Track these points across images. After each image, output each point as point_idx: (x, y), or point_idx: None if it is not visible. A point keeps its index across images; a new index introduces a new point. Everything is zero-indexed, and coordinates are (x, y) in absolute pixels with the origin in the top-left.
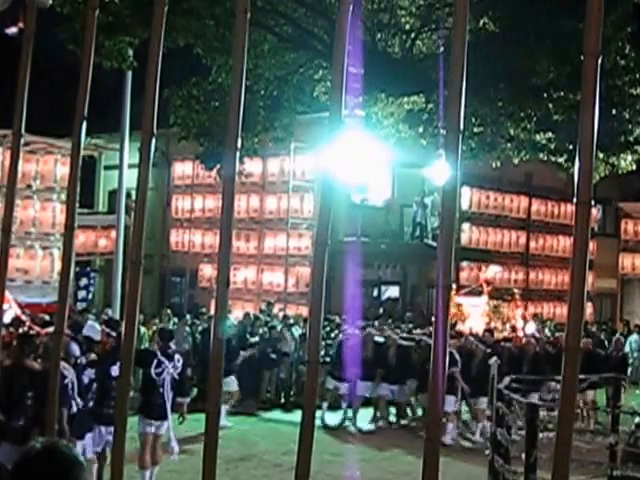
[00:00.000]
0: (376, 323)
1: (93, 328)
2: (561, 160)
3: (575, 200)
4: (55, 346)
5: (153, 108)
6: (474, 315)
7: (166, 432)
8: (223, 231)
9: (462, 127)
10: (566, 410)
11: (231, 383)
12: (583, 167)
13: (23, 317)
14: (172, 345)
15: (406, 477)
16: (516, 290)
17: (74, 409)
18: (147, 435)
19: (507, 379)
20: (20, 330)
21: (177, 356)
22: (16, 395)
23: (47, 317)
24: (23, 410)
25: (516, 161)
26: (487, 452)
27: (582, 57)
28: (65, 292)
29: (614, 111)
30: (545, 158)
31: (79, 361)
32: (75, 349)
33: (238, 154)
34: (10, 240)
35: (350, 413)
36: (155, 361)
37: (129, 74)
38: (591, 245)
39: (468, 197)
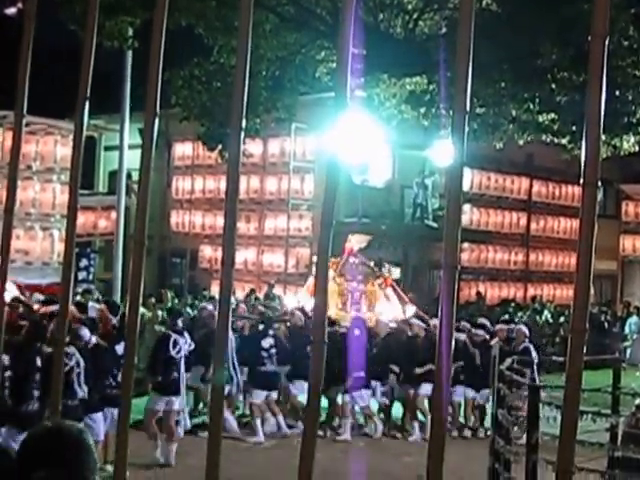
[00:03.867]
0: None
1: (93, 309)
2: (564, 141)
3: (582, 181)
4: (60, 327)
5: (156, 88)
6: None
7: (179, 407)
8: (228, 211)
9: (469, 108)
10: (571, 392)
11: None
12: (590, 148)
13: (22, 297)
14: (179, 322)
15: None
16: (388, 265)
17: (79, 395)
18: (156, 412)
19: (508, 360)
20: (19, 310)
21: (185, 332)
22: (24, 380)
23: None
24: (31, 395)
25: (521, 142)
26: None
27: (589, 38)
28: (69, 272)
29: (617, 92)
30: (548, 139)
31: (90, 345)
32: (85, 333)
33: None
34: (12, 221)
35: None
36: (172, 342)
37: (129, 55)
38: None
39: (469, 178)
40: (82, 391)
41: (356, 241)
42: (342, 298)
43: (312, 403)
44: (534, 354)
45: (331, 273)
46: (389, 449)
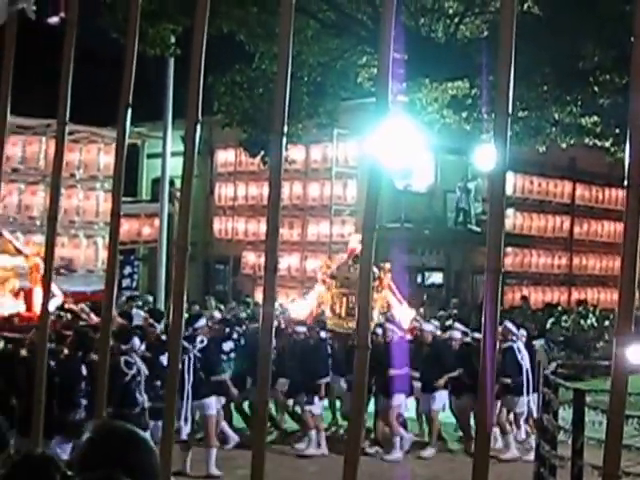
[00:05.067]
0: (421, 310)
1: (138, 316)
2: (607, 144)
3: (626, 184)
4: (103, 334)
5: (198, 95)
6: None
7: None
8: (271, 218)
9: (510, 111)
10: (617, 396)
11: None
12: (634, 151)
13: (68, 306)
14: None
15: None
16: (385, 265)
17: (141, 403)
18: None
19: (553, 365)
20: (64, 318)
21: (199, 337)
22: (70, 389)
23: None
24: (78, 404)
25: (564, 146)
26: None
27: (631, 39)
28: (112, 279)
29: None
30: (591, 142)
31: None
32: (136, 343)
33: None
34: (56, 228)
35: None
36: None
37: (171, 62)
38: None
39: (512, 182)
40: (143, 399)
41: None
42: (337, 304)
43: (356, 408)
44: (521, 355)
45: (319, 276)
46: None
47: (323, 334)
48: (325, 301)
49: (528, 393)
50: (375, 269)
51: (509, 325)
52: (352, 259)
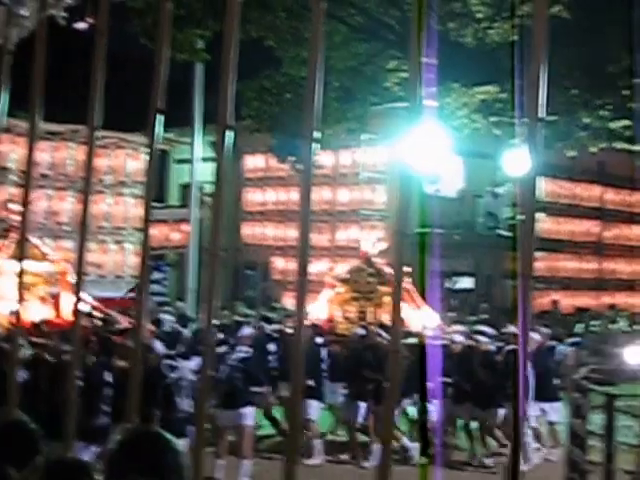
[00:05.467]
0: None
1: (167, 322)
2: (637, 148)
3: None
4: (135, 339)
5: (228, 101)
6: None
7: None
8: (301, 223)
9: (541, 116)
10: None
11: None
12: None
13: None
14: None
15: None
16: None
17: (181, 408)
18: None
19: (584, 370)
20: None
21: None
22: (94, 395)
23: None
24: (100, 410)
25: (593, 150)
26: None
27: None
28: (144, 285)
29: None
30: (620, 147)
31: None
32: (158, 347)
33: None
34: (86, 233)
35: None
36: None
37: (200, 67)
38: None
39: (541, 187)
40: (185, 404)
41: (370, 243)
42: (347, 308)
43: (388, 415)
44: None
45: (327, 279)
46: None
47: (319, 339)
48: (335, 305)
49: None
50: (388, 269)
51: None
52: (364, 262)
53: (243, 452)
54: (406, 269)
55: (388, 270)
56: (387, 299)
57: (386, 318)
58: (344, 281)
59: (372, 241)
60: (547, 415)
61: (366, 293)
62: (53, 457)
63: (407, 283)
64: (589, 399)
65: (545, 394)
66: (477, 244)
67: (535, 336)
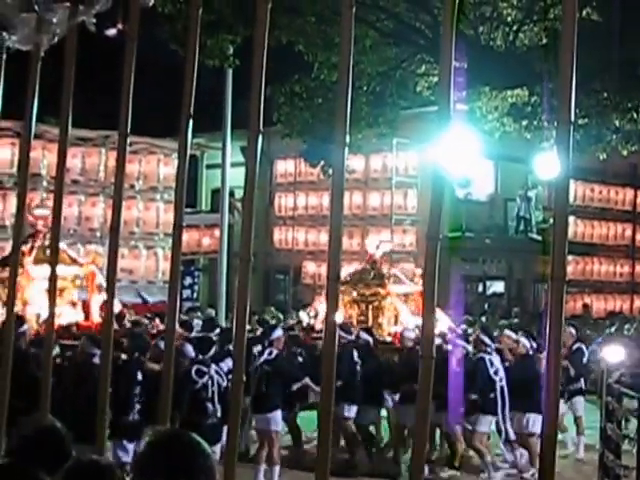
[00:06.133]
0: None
1: (199, 327)
2: None
3: None
4: (168, 344)
5: (259, 106)
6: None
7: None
8: (333, 227)
9: (572, 119)
10: None
11: None
12: None
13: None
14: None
15: None
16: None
17: (212, 413)
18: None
19: (617, 374)
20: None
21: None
22: (125, 393)
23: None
24: (132, 407)
25: (625, 153)
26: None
27: None
28: (175, 290)
29: None
30: None
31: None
32: (189, 350)
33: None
34: (119, 239)
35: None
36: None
37: (230, 72)
38: None
39: (573, 190)
40: (216, 409)
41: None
42: (349, 311)
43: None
44: (494, 369)
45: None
46: None
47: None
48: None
49: (496, 413)
50: (394, 271)
51: (481, 336)
52: (370, 265)
53: (273, 459)
54: (419, 271)
55: (393, 272)
56: (387, 302)
57: (386, 322)
58: (345, 284)
59: (376, 243)
60: (576, 411)
61: (367, 296)
62: (75, 459)
63: (420, 285)
64: (623, 403)
65: (574, 392)
66: (508, 248)
67: (571, 330)
